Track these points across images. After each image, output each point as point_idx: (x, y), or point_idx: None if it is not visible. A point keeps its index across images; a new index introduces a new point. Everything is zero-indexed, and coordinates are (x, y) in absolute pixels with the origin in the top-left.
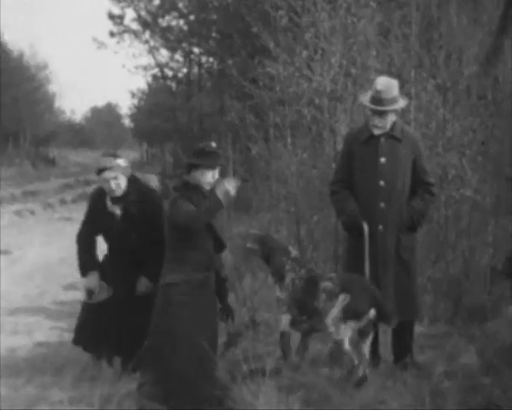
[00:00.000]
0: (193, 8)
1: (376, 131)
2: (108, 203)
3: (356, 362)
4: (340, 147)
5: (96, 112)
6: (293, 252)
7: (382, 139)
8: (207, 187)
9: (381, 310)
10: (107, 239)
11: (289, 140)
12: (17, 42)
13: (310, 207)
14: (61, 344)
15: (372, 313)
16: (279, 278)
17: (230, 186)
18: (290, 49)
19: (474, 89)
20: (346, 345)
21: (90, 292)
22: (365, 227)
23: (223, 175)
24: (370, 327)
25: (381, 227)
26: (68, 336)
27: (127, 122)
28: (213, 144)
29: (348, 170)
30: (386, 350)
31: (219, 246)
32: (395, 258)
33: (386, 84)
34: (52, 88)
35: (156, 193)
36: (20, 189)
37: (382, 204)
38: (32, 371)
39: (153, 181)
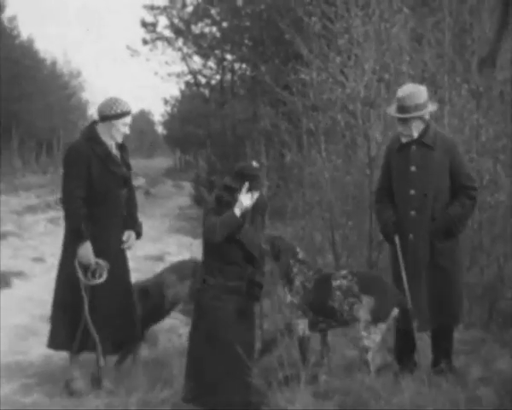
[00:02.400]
0: (226, 15)
1: (403, 139)
2: (114, 149)
3: (373, 373)
4: (373, 153)
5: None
6: (301, 253)
7: (413, 147)
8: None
9: (404, 308)
10: (101, 195)
11: (323, 146)
12: (50, 50)
13: (344, 212)
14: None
15: (395, 311)
16: (287, 280)
17: (247, 200)
18: (323, 56)
19: (507, 94)
20: (371, 355)
21: (86, 269)
22: (396, 238)
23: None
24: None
25: (411, 236)
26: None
27: (160, 129)
28: (254, 164)
29: (388, 178)
30: (420, 356)
31: (250, 258)
32: (430, 265)
33: (408, 91)
34: (85, 95)
35: None
36: (55, 196)
37: (413, 213)
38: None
39: None
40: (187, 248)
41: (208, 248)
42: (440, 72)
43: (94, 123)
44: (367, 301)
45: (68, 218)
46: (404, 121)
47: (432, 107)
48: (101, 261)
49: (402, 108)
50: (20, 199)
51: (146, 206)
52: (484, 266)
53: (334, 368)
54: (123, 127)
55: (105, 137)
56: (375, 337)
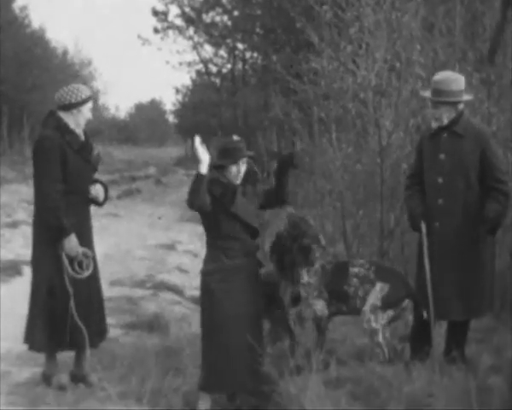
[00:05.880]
0: (237, 4)
1: (434, 124)
2: (81, 134)
3: (387, 355)
4: (384, 141)
5: (140, 108)
6: (323, 240)
7: (444, 135)
8: (236, 181)
9: (415, 299)
10: (76, 185)
11: (334, 135)
12: (61, 39)
13: (355, 201)
14: (109, 340)
15: (406, 302)
16: (307, 262)
17: (204, 155)
18: (334, 44)
19: None
20: (380, 337)
21: (72, 261)
22: (423, 227)
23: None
24: (399, 315)
25: (437, 224)
26: (115, 332)
27: (171, 118)
28: (235, 138)
29: (420, 165)
30: (434, 346)
31: (252, 231)
32: (458, 255)
33: (445, 76)
34: (96, 85)
35: None
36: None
37: (440, 201)
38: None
39: None
40: (198, 237)
41: (207, 226)
42: (451, 60)
43: (54, 112)
44: (381, 287)
45: (47, 214)
46: (435, 105)
47: (467, 97)
48: (87, 251)
49: (435, 92)
50: (30, 188)
51: (157, 195)
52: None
53: (345, 356)
54: (88, 113)
55: (72, 126)
56: (381, 322)
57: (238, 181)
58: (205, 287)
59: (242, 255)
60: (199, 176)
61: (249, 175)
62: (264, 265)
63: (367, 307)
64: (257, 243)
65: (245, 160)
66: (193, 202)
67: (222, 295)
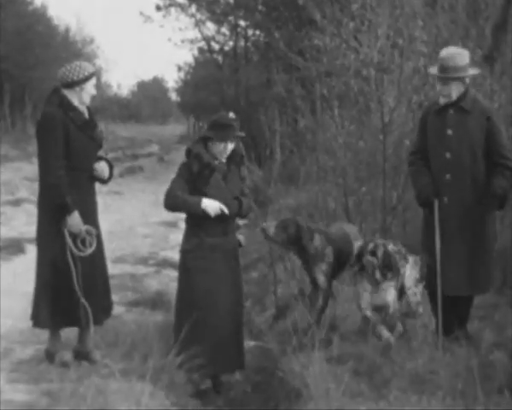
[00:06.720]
0: None
1: (442, 100)
2: (85, 111)
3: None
4: (387, 118)
5: (142, 86)
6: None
7: (451, 111)
8: (220, 158)
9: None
10: (80, 162)
11: (336, 112)
12: (63, 16)
13: (357, 178)
14: (112, 317)
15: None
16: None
17: (215, 208)
18: (337, 21)
19: None
20: (421, 308)
21: (75, 238)
22: (436, 204)
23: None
24: None
25: (445, 199)
26: (118, 310)
27: (174, 96)
28: (230, 115)
29: (424, 140)
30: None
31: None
32: (466, 230)
33: (451, 52)
34: (99, 62)
35: None
36: None
37: (448, 176)
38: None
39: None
40: None
41: None
42: (453, 37)
43: (58, 90)
44: (414, 260)
45: (51, 191)
46: (445, 81)
47: (473, 71)
48: (90, 228)
49: (442, 68)
50: (33, 166)
51: (159, 172)
52: (497, 232)
53: (347, 333)
54: (92, 89)
55: (76, 103)
56: (419, 294)
57: (223, 158)
58: (184, 265)
59: (221, 233)
60: (197, 207)
61: (235, 155)
62: (243, 245)
63: (410, 282)
64: (237, 223)
65: (230, 141)
66: (169, 209)
67: (200, 273)
